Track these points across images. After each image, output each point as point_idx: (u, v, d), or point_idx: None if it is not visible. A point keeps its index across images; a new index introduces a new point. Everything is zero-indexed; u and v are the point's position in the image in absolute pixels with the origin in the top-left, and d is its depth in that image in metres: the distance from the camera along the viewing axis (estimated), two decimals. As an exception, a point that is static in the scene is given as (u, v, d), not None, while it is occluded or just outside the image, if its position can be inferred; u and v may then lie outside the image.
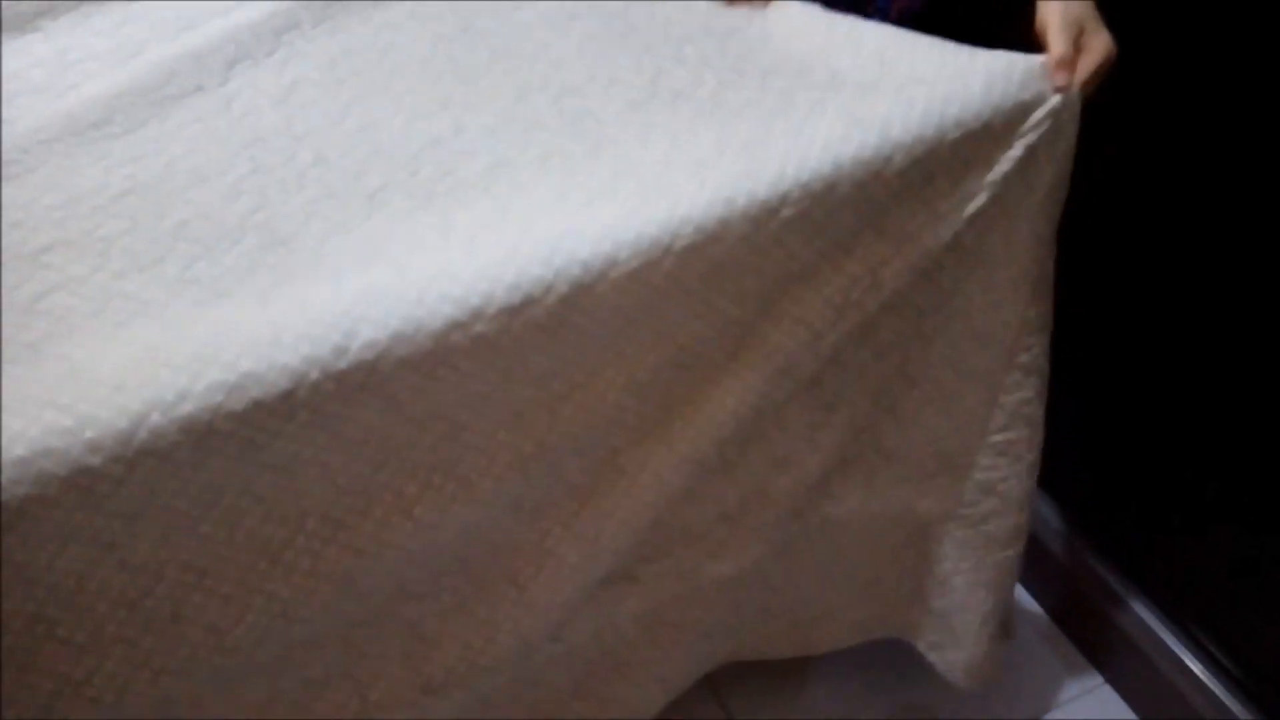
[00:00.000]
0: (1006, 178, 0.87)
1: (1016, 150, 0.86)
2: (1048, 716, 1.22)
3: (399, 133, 0.90)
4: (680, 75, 0.98)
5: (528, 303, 0.74)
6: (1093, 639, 1.29)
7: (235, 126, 0.89)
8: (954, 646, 1.16)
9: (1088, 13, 0.93)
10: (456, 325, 0.72)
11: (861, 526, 1.02)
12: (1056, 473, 1.17)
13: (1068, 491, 1.34)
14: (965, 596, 1.11)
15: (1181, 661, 1.18)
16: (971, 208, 0.87)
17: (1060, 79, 0.89)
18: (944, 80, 0.87)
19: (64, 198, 0.80)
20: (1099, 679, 1.27)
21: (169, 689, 0.73)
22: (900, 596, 1.13)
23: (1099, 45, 0.91)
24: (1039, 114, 0.86)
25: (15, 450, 0.61)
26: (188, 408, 0.65)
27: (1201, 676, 1.16)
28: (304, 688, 0.80)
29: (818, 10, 1.06)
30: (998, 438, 1.02)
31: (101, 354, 0.67)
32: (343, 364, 0.69)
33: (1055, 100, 0.87)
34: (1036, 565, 1.31)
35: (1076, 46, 0.91)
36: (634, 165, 0.86)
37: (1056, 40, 0.91)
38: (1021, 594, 1.34)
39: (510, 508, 0.81)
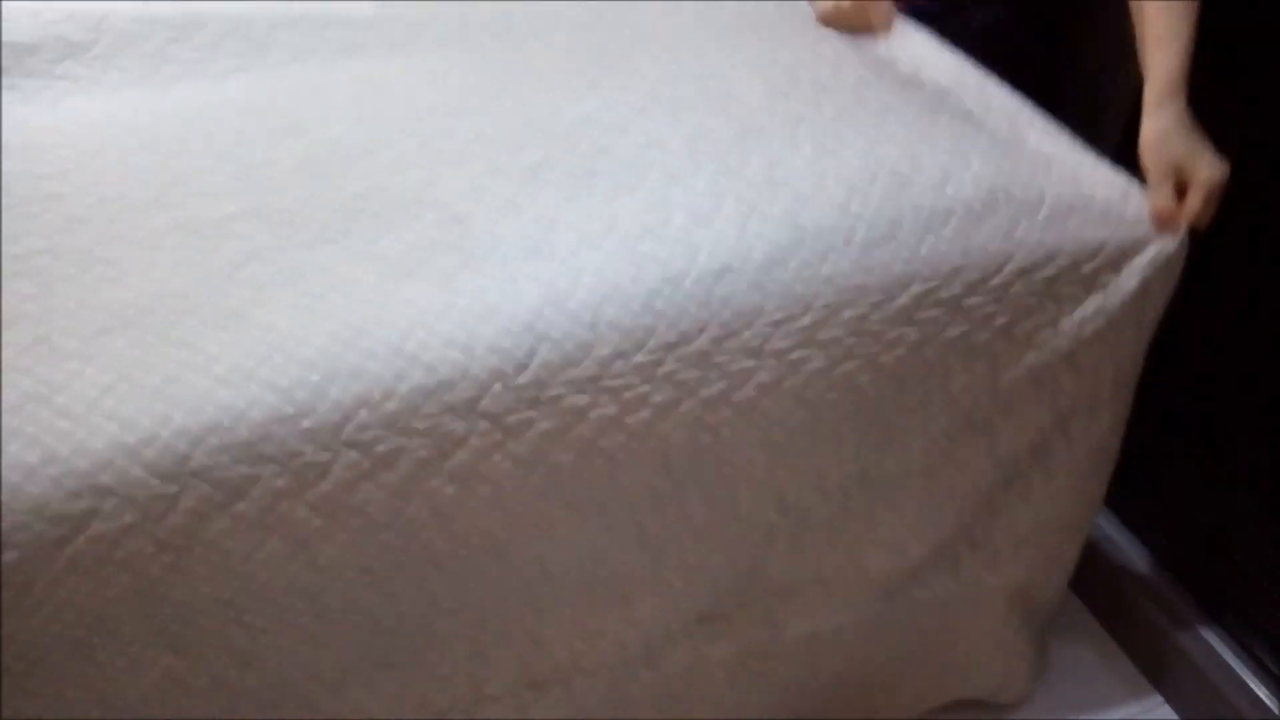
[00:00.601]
0: (1123, 306, 0.89)
1: (1131, 282, 0.88)
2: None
3: (552, 111, 0.91)
4: (823, 71, 0.99)
5: (682, 340, 0.76)
6: (1154, 659, 1.30)
7: (393, 105, 0.91)
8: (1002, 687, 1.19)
9: (1188, 147, 0.89)
10: (619, 354, 0.74)
11: (940, 606, 1.05)
12: (1123, 494, 1.18)
13: (1134, 513, 1.35)
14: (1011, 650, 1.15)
15: (1244, 684, 1.20)
16: (1089, 327, 0.89)
17: (1163, 229, 0.88)
18: (1067, 183, 0.89)
19: (239, 167, 0.81)
20: (1158, 698, 1.29)
21: (325, 672, 0.75)
22: (966, 663, 1.15)
23: (1203, 179, 0.87)
24: (1151, 253, 0.88)
25: (237, 432, 0.63)
26: (391, 407, 0.67)
27: (1265, 700, 1.18)
28: (430, 681, 0.82)
29: (939, 45, 1.08)
30: (1065, 518, 1.05)
31: (303, 328, 0.68)
32: (523, 379, 0.71)
33: (1168, 245, 0.88)
34: (1100, 585, 1.33)
35: (1180, 187, 0.88)
36: (785, 164, 0.87)
37: (1155, 193, 0.89)
38: (1084, 613, 1.35)
39: (637, 538, 0.84)
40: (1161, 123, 0.91)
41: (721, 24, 1.08)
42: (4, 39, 0.95)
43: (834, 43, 1.06)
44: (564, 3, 1.09)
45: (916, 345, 0.84)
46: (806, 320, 0.81)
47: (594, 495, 0.79)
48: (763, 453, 0.84)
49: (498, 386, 0.71)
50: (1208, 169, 0.88)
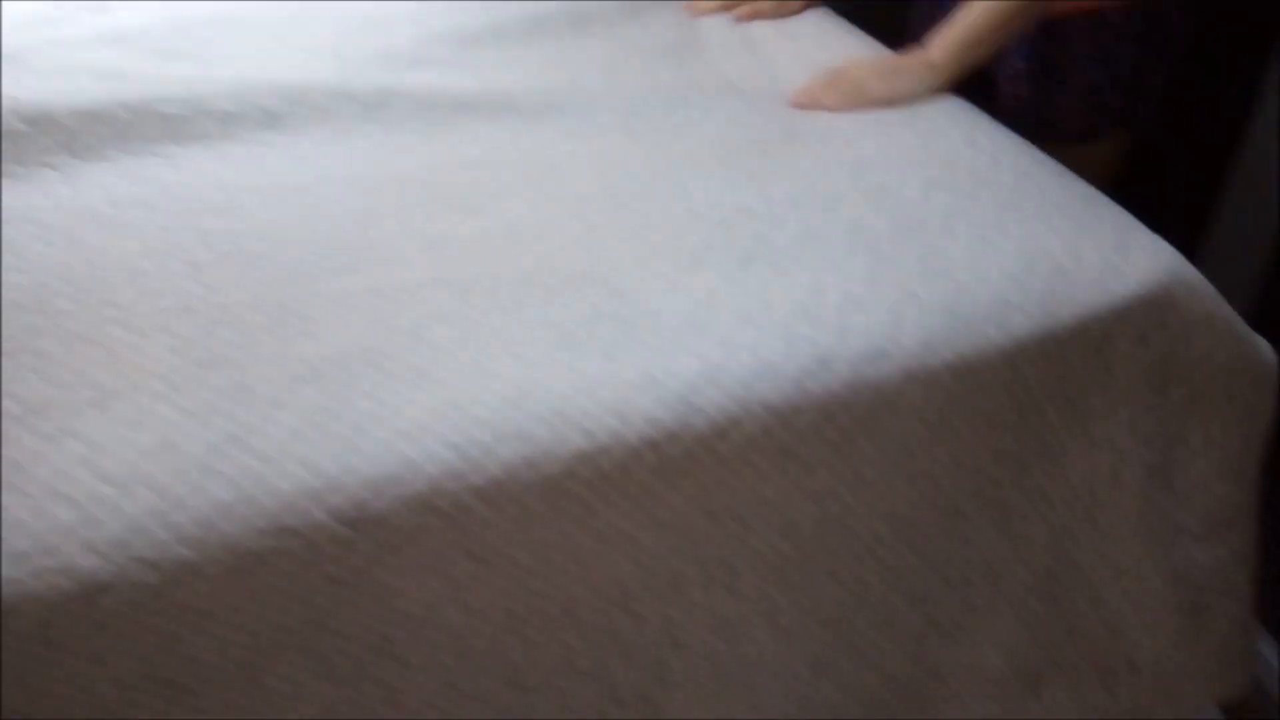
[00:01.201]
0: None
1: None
2: None
3: (712, 200, 0.95)
4: (981, 162, 1.00)
5: (827, 420, 0.78)
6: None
7: (562, 188, 0.96)
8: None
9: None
10: (766, 431, 0.76)
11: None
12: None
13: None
14: None
15: None
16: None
17: None
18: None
19: (426, 241, 0.88)
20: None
21: (466, 709, 0.78)
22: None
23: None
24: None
25: (414, 484, 0.67)
26: (552, 469, 0.70)
27: None
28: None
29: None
30: None
31: (477, 388, 0.73)
32: (674, 451, 0.73)
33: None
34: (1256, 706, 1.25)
35: None
36: (942, 254, 0.88)
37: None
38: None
39: (766, 616, 0.85)
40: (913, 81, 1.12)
41: (874, 116, 1.11)
42: (213, 107, 1.05)
43: (990, 133, 1.07)
44: (719, 96, 1.13)
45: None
46: (949, 407, 0.82)
47: (724, 557, 0.80)
48: (888, 527, 0.85)
49: (650, 455, 0.73)
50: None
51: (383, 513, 0.67)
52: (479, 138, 1.05)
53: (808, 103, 1.12)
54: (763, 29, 1.29)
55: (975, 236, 0.90)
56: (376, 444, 0.69)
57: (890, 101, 1.10)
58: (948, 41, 1.12)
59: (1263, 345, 0.95)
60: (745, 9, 1.30)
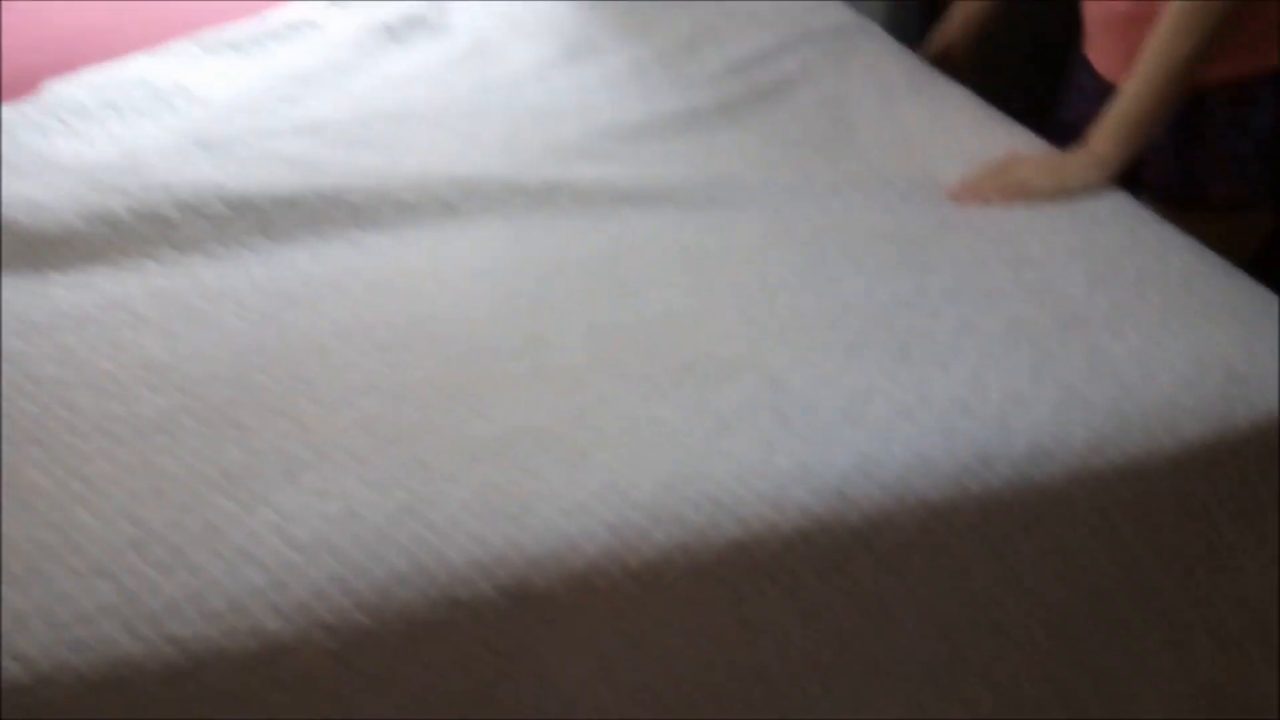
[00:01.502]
0: None
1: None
2: None
3: (866, 291, 0.96)
4: (1147, 259, 0.98)
5: (986, 521, 0.77)
6: None
7: (716, 279, 0.99)
8: None
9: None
10: (922, 528, 0.76)
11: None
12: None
13: None
14: None
15: None
16: None
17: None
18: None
19: (589, 326, 0.92)
20: None
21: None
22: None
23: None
24: None
25: (574, 563, 0.70)
26: (705, 555, 0.72)
27: None
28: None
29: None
30: None
31: (636, 472, 0.75)
32: (827, 544, 0.74)
33: None
34: None
35: None
36: (1109, 354, 0.86)
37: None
38: None
39: (914, 715, 0.83)
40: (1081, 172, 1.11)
41: (1033, 209, 1.10)
42: (396, 197, 1.13)
43: (1154, 227, 1.05)
44: (872, 188, 1.14)
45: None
46: (1114, 512, 0.80)
47: (873, 655, 0.80)
48: (1046, 633, 0.83)
49: (802, 546, 0.74)
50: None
51: (544, 589, 0.70)
52: (638, 227, 1.10)
53: (970, 197, 1.12)
54: (917, 120, 1.30)
55: (1143, 336, 0.88)
56: (540, 522, 0.72)
57: (1056, 197, 1.09)
58: (1110, 131, 1.10)
59: None
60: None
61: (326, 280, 1.02)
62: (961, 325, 0.91)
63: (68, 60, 1.51)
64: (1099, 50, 1.31)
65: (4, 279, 1.03)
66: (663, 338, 0.90)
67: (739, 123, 1.32)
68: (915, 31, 2.37)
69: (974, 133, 1.27)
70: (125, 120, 1.33)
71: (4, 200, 1.12)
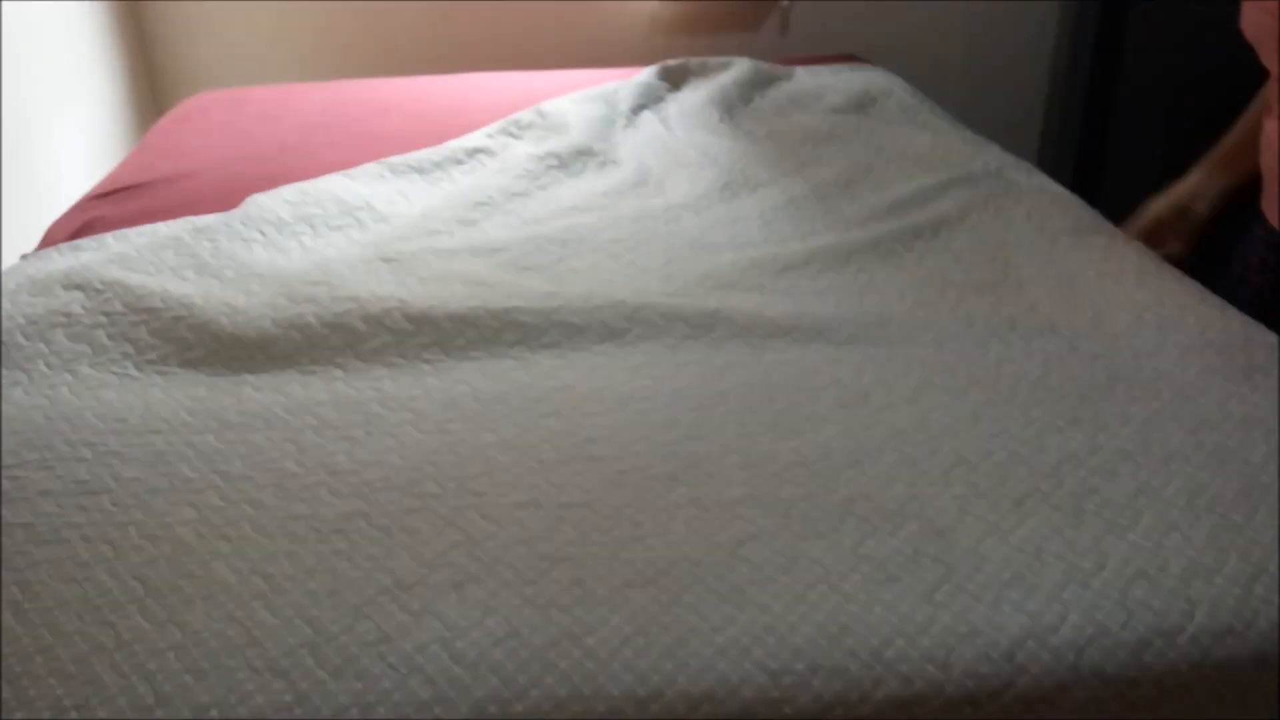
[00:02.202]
0: None
1: None
2: None
3: (1036, 445, 0.94)
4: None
5: (1165, 698, 0.73)
6: None
7: (873, 419, 0.99)
8: None
9: None
10: (1097, 701, 0.72)
11: None
12: None
13: None
14: None
15: None
16: None
17: None
18: None
19: (745, 458, 0.93)
20: None
21: None
22: None
23: None
24: None
25: (728, 705, 0.70)
26: (864, 710, 0.70)
27: None
28: None
29: None
30: None
31: (794, 615, 0.74)
32: (993, 710, 0.71)
33: None
34: None
35: None
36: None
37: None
38: None
39: None
40: None
41: (1213, 363, 1.06)
42: (561, 319, 1.18)
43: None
44: (1036, 334, 1.13)
45: None
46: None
47: None
48: None
49: (967, 710, 0.71)
50: None
51: (693, 730, 0.69)
52: (794, 362, 1.11)
53: None
54: (1082, 267, 1.29)
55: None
56: (697, 659, 0.71)
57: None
58: None
59: None
60: None
61: (494, 396, 1.07)
62: (1139, 488, 0.88)
63: (267, 174, 1.66)
64: (1273, 203, 1.27)
65: (203, 378, 1.12)
66: (820, 476, 0.90)
67: (896, 261, 1.33)
68: (1067, 176, 2.36)
69: (1142, 283, 1.24)
70: (318, 234, 1.44)
71: (207, 304, 1.23)
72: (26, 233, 1.89)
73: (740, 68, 2.03)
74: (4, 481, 0.93)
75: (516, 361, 1.13)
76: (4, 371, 1.12)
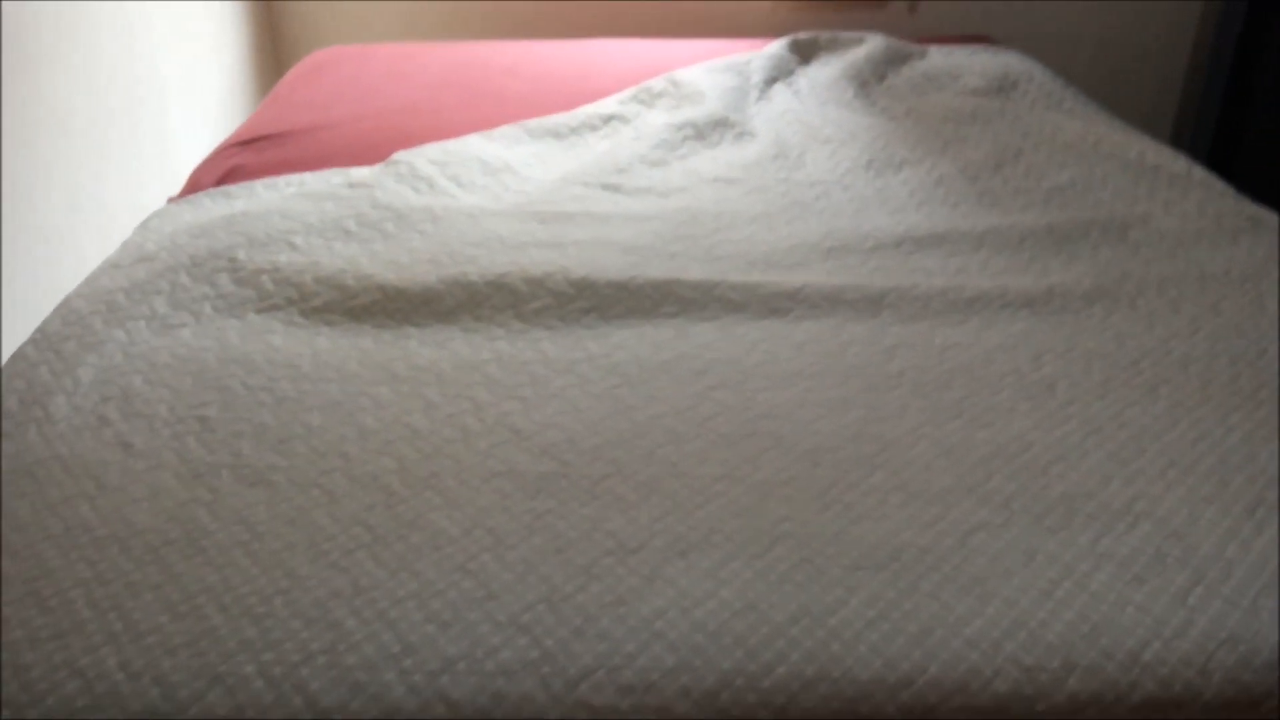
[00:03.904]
0: None
1: None
2: None
3: (1242, 450, 0.92)
4: None
5: None
6: None
7: (1065, 412, 0.96)
8: None
9: None
10: None
11: None
12: None
13: None
14: None
15: None
16: None
17: None
18: None
19: (941, 447, 0.90)
20: None
21: None
22: None
23: None
24: None
25: (980, 698, 0.68)
26: (1119, 711, 0.68)
27: None
28: None
29: None
30: None
31: (1045, 611, 0.72)
32: (1250, 715, 0.69)
33: None
34: None
35: None
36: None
37: None
38: None
39: None
40: None
41: None
42: (721, 294, 1.15)
43: None
44: (1220, 341, 1.09)
45: None
46: None
47: None
48: None
49: (1223, 715, 0.68)
50: None
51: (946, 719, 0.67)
52: (967, 345, 1.08)
53: None
54: (1265, 263, 1.24)
55: None
56: (945, 649, 0.69)
57: None
58: None
59: None
60: None
61: (657, 365, 1.05)
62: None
63: (402, 130, 1.64)
64: None
65: (368, 330, 1.11)
66: (1028, 470, 0.87)
67: (1070, 249, 1.29)
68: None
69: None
70: (467, 192, 1.42)
71: (370, 256, 1.22)
72: (162, 183, 1.90)
73: (873, 43, 1.99)
74: (194, 421, 0.93)
75: (675, 332, 1.11)
76: (171, 311, 1.12)
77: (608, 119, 1.72)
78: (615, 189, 1.47)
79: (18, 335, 1.46)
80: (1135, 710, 0.68)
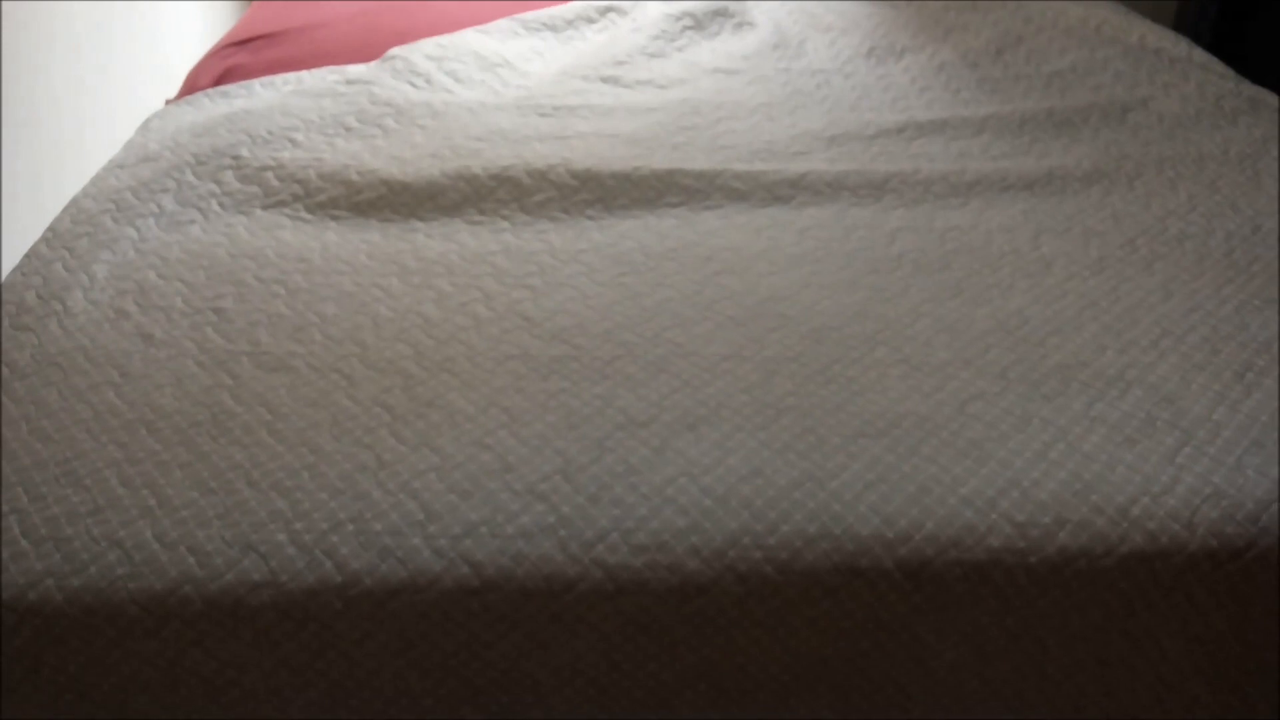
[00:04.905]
0: None
1: None
2: None
3: (1234, 320, 0.94)
4: None
5: None
6: None
7: (1063, 288, 0.99)
8: None
9: None
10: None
11: None
12: None
13: None
14: None
15: None
16: None
17: None
18: None
19: (941, 324, 0.93)
20: None
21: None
22: None
23: None
24: None
25: (975, 551, 0.72)
26: (1107, 562, 0.72)
27: None
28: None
29: None
30: None
31: (1038, 471, 0.76)
32: (1234, 569, 0.72)
33: None
34: None
35: None
36: None
37: None
38: None
39: None
40: None
41: None
42: (724, 183, 1.16)
43: None
44: (1217, 220, 1.10)
45: None
46: None
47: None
48: None
49: (1206, 567, 0.72)
50: None
51: (940, 572, 0.71)
52: (967, 228, 1.09)
53: None
54: (1264, 143, 1.25)
55: None
56: (942, 507, 0.72)
57: None
58: None
59: None
60: None
61: (662, 252, 1.06)
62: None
63: (397, 26, 1.62)
64: None
65: (374, 224, 1.12)
66: (1026, 343, 0.90)
67: (1070, 132, 1.29)
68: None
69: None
70: (466, 87, 1.42)
71: (373, 151, 1.22)
72: (153, 85, 1.88)
73: (874, -70, 1.94)
74: (210, 313, 0.95)
75: (679, 221, 1.12)
76: (179, 209, 1.13)
77: (604, 10, 1.70)
78: (615, 81, 1.47)
79: (27, 236, 1.47)
80: (1123, 562, 0.71)
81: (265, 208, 1.14)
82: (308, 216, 1.13)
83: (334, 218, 1.13)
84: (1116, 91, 1.39)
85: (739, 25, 1.67)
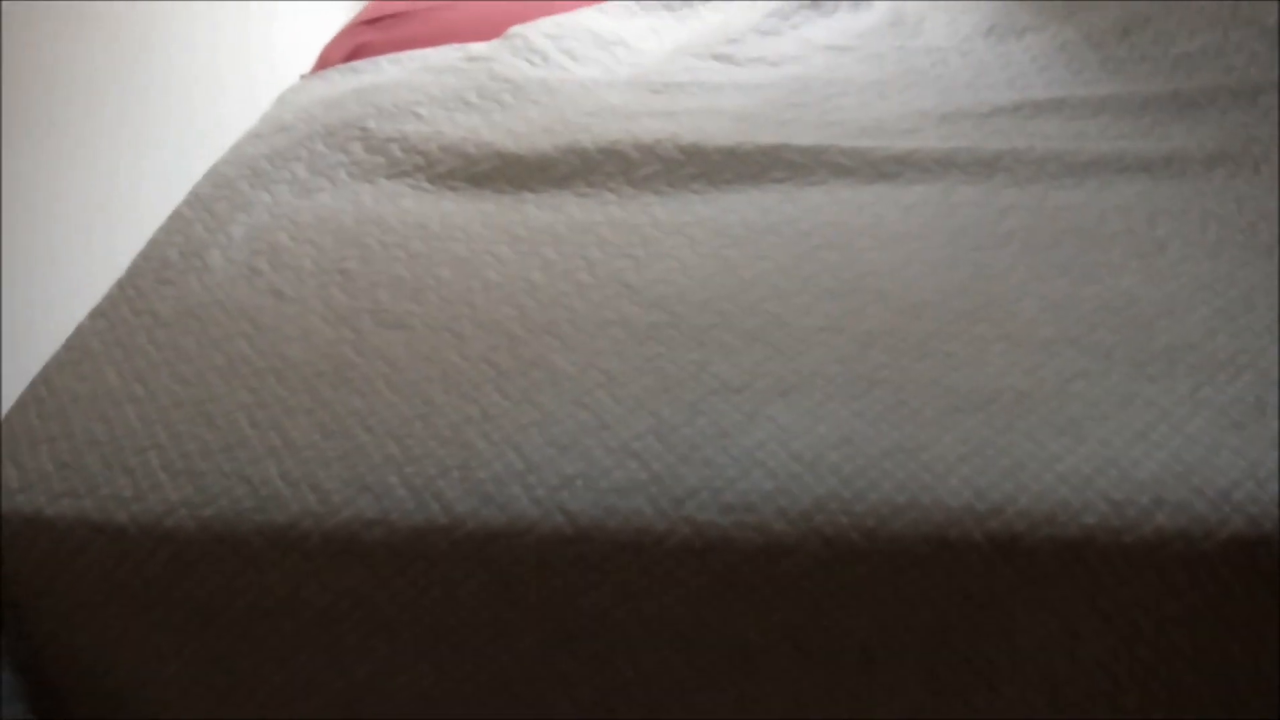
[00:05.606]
0: None
1: None
2: None
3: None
4: None
5: None
6: None
7: (1175, 270, 0.96)
8: None
9: None
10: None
11: None
12: None
13: None
14: None
15: None
16: None
17: None
18: None
19: (1047, 302, 0.92)
20: None
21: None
22: None
23: None
24: None
25: (1069, 529, 0.71)
26: (1206, 545, 0.70)
27: None
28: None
29: None
30: None
31: (1139, 452, 0.75)
32: None
33: None
34: None
35: None
36: None
37: None
38: None
39: None
40: None
41: None
42: (830, 159, 1.16)
43: None
44: None
45: None
46: None
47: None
48: None
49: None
50: None
51: (1032, 548, 0.71)
52: (1080, 207, 1.07)
53: None
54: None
55: None
56: (1037, 483, 0.72)
57: None
58: None
59: None
60: None
61: (765, 227, 1.08)
62: None
63: (518, 6, 1.67)
64: None
65: (489, 194, 1.16)
66: (1133, 323, 0.88)
67: (1195, 114, 1.24)
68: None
69: None
70: (581, 64, 1.45)
71: (490, 125, 1.27)
72: (291, 65, 1.98)
73: (1001, -94, 1.89)
74: (336, 274, 1.01)
75: (783, 196, 1.12)
76: (310, 176, 1.20)
77: (720, -11, 1.71)
78: (727, 59, 1.48)
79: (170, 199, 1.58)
80: (1222, 547, 0.70)
81: (389, 177, 1.20)
82: (428, 186, 1.18)
83: (451, 188, 1.18)
84: (1249, 73, 1.32)
85: (856, 3, 1.66)
